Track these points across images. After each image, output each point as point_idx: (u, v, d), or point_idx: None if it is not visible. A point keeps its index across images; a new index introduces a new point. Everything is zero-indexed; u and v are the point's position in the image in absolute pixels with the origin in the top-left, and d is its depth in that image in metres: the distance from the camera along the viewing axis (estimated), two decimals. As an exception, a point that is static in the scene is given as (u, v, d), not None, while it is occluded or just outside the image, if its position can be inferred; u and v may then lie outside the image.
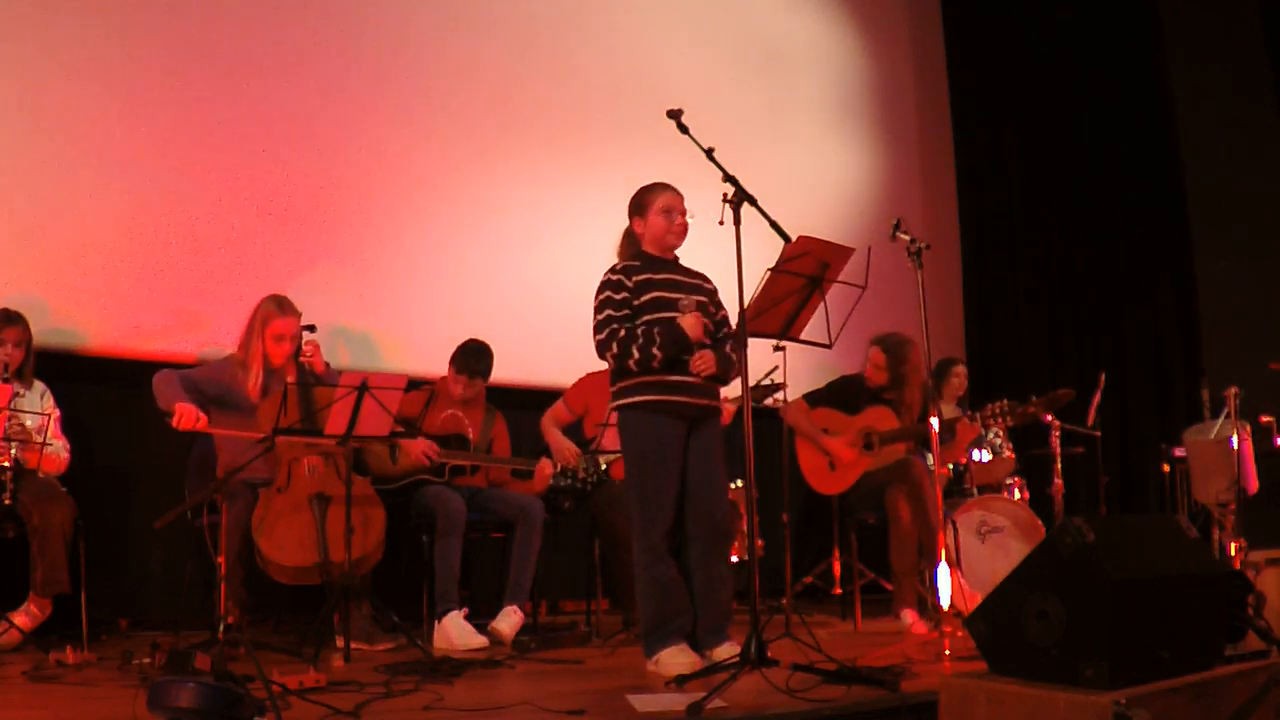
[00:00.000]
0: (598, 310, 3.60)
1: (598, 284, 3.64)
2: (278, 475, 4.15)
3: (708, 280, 3.72)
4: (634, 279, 3.59)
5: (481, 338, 4.83)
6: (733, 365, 3.61)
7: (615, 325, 3.54)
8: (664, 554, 3.51)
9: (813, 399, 5.21)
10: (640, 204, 3.71)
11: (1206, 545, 4.31)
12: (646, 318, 3.54)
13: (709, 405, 3.60)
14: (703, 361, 3.51)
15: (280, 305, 4.38)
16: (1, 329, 4.18)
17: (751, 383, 3.56)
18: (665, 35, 6.48)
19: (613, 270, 3.64)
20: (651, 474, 3.53)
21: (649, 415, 3.55)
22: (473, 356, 4.76)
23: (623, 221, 3.78)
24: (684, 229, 3.67)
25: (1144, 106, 8.50)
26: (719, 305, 3.72)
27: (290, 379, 4.20)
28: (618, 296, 3.57)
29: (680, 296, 3.58)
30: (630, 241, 3.75)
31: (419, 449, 4.53)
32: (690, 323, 3.50)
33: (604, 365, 4.92)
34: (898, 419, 5.02)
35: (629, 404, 3.59)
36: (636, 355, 3.49)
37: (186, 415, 4.06)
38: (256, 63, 5.15)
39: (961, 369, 5.84)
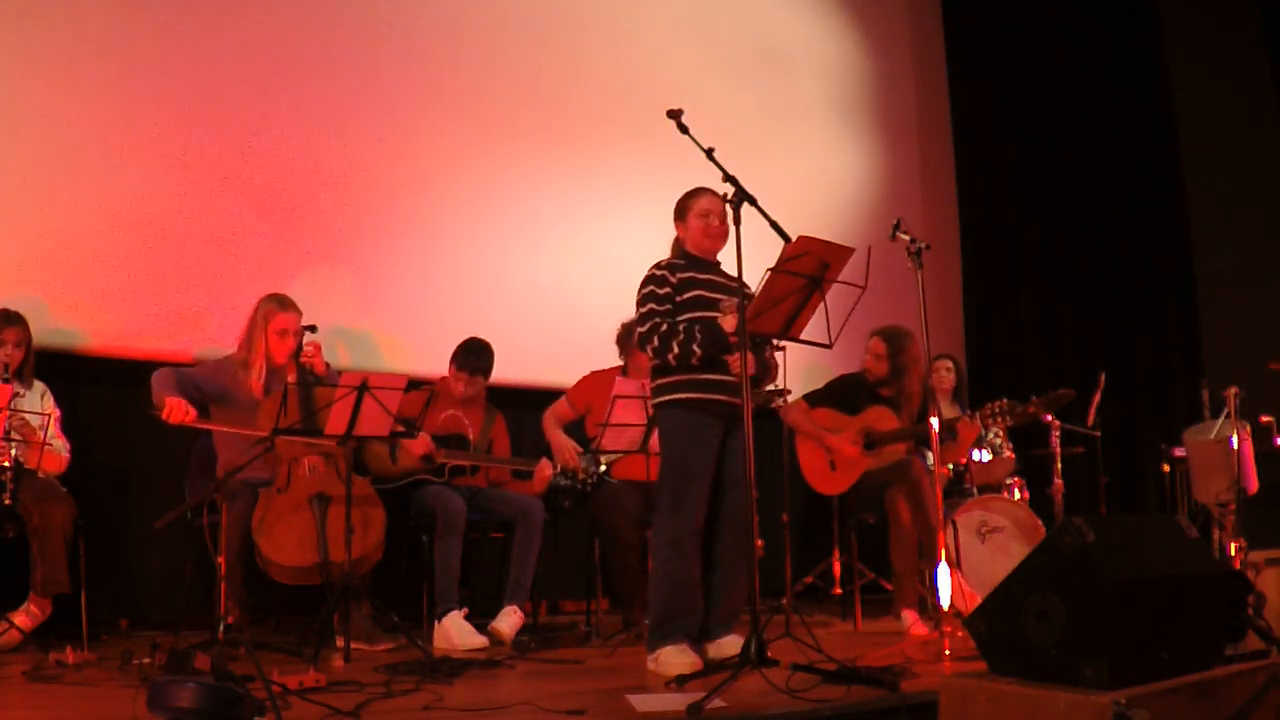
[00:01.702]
0: (641, 304, 3.67)
1: (641, 279, 3.70)
2: (278, 475, 4.15)
3: (746, 286, 3.74)
4: (678, 276, 3.66)
5: (482, 337, 4.83)
6: (770, 369, 3.78)
7: (658, 319, 3.60)
8: (687, 551, 3.54)
9: (812, 399, 5.21)
10: (681, 209, 3.79)
11: (1206, 545, 4.31)
12: (688, 315, 3.59)
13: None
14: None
15: (281, 302, 4.41)
16: (1, 329, 4.18)
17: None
18: (665, 35, 6.47)
19: (657, 266, 3.71)
20: (686, 472, 3.56)
21: (687, 413, 3.59)
22: (473, 354, 4.76)
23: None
24: (722, 231, 3.72)
25: (1144, 106, 8.49)
26: None
27: (290, 379, 4.20)
28: (661, 291, 3.64)
29: (722, 297, 3.63)
30: (678, 247, 3.83)
31: (420, 449, 4.52)
32: (731, 323, 3.53)
33: (606, 365, 5.02)
34: (898, 418, 5.01)
35: (667, 401, 3.63)
36: (676, 350, 3.54)
37: (176, 409, 4.07)
38: (257, 63, 5.15)
39: (946, 363, 5.81)
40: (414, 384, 4.33)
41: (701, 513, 3.56)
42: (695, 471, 3.56)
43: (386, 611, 4.12)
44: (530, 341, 5.58)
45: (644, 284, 3.69)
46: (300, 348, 4.35)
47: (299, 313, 4.41)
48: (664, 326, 3.58)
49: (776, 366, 3.99)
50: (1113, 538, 2.62)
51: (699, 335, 3.53)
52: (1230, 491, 5.06)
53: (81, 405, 4.65)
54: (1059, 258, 8.06)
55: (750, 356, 3.54)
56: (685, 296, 3.63)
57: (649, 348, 3.61)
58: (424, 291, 5.47)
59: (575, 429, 4.97)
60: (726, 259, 3.73)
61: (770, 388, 5.13)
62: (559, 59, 6.05)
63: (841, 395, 5.17)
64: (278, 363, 4.38)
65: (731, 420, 3.62)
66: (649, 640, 3.57)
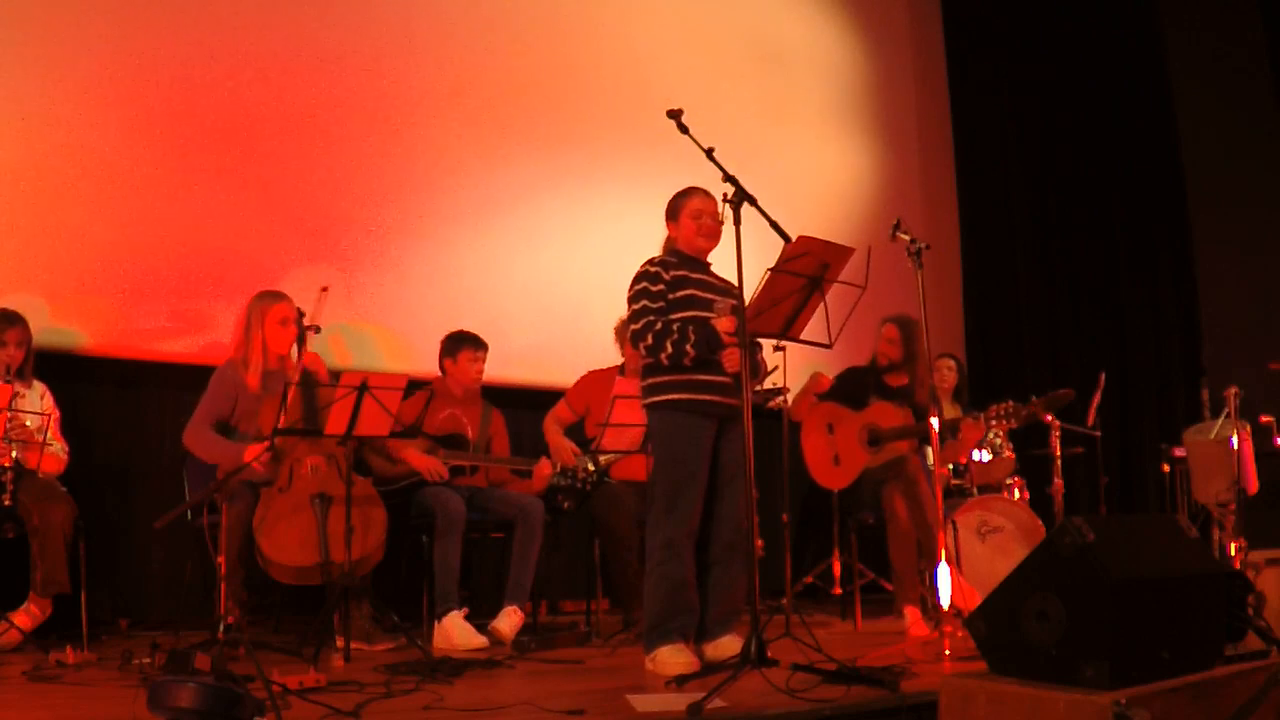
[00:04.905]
0: (633, 300, 3.65)
1: (633, 275, 3.68)
2: (279, 475, 4.15)
3: (736, 288, 3.74)
4: (671, 274, 3.65)
5: (482, 337, 4.85)
6: (760, 370, 3.82)
7: (651, 317, 3.59)
8: (681, 552, 3.53)
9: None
10: (673, 209, 3.79)
11: (1206, 545, 4.31)
12: (681, 314, 3.58)
13: (738, 405, 3.61)
14: (736, 357, 3.53)
15: (275, 295, 4.41)
16: (2, 330, 4.17)
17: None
18: (665, 35, 6.48)
19: (650, 262, 3.69)
20: (681, 474, 3.55)
21: (680, 415, 3.58)
22: (469, 336, 4.82)
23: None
24: (714, 231, 3.72)
25: (1144, 106, 8.50)
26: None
27: (292, 375, 4.21)
28: (654, 288, 3.62)
29: (715, 298, 3.62)
30: (669, 246, 3.82)
31: (423, 464, 4.52)
32: (725, 325, 3.53)
33: (604, 365, 5.02)
34: (902, 414, 4.98)
35: (660, 402, 3.62)
36: (670, 350, 3.53)
37: (251, 452, 4.10)
38: (257, 63, 5.15)
39: (948, 362, 5.79)
40: (414, 384, 4.33)
41: (696, 514, 3.55)
42: (689, 473, 3.55)
43: (386, 611, 4.12)
44: (530, 341, 5.59)
45: (636, 280, 3.67)
46: (302, 336, 4.34)
47: (292, 301, 4.43)
48: (658, 325, 3.57)
49: (765, 367, 4.00)
50: (1113, 538, 2.62)
51: (693, 336, 3.52)
52: (1230, 491, 5.06)
53: (81, 405, 4.65)
54: (1059, 257, 8.06)
55: (740, 351, 3.54)
56: (678, 295, 3.62)
57: (642, 345, 3.60)
58: (424, 291, 5.47)
59: (575, 430, 4.98)
60: (719, 260, 3.74)
61: (768, 386, 5.12)
62: (560, 58, 6.05)
63: (847, 389, 5.16)
64: (278, 354, 4.38)
65: (724, 420, 3.62)
66: (645, 641, 3.57)
